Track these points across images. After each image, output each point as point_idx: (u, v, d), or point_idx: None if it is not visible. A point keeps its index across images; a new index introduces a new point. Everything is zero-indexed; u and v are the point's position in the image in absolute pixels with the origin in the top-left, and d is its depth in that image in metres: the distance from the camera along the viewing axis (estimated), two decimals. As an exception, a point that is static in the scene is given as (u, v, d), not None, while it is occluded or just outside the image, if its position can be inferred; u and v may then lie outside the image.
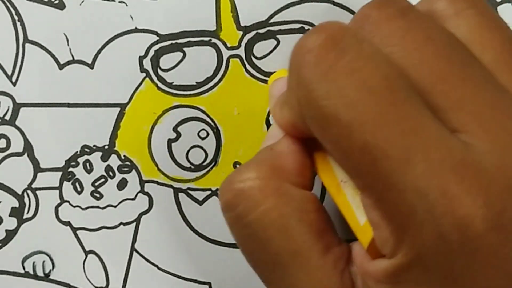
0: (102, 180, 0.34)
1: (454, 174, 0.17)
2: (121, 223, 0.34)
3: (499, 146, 0.18)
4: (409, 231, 0.18)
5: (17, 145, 0.34)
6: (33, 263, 0.34)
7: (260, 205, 0.22)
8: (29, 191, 0.34)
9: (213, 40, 0.34)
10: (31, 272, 0.34)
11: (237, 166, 0.34)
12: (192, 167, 0.34)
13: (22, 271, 0.34)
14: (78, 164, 0.34)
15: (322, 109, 0.18)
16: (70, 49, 0.34)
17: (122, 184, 0.34)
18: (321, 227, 0.22)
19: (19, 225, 0.34)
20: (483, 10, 0.21)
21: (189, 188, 0.34)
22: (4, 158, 0.34)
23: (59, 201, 0.34)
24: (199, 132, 0.34)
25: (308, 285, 0.21)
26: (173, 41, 0.34)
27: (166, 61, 0.34)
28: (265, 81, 0.34)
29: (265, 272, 0.23)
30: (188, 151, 0.34)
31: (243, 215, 0.22)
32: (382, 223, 0.19)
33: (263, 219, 0.22)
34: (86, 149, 0.34)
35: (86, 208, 0.34)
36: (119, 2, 0.34)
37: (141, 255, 0.34)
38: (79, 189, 0.34)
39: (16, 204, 0.34)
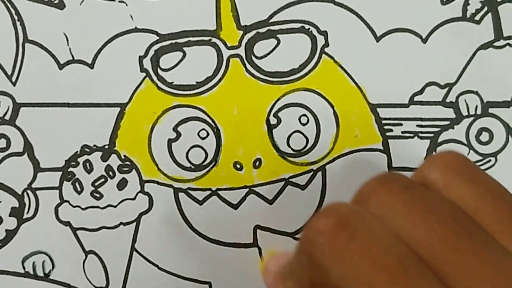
0: (102, 180, 0.34)
1: None
2: (121, 223, 0.34)
3: None
4: None
5: (17, 145, 0.34)
6: (33, 263, 0.34)
7: None
8: (29, 191, 0.34)
9: (213, 39, 0.34)
10: (31, 272, 0.34)
11: (237, 166, 0.34)
12: (192, 167, 0.34)
13: (22, 271, 0.34)
14: (78, 164, 0.34)
15: None
16: (70, 49, 0.34)
17: (122, 184, 0.34)
18: None
19: (19, 225, 0.34)
20: (472, 176, 0.22)
21: (189, 188, 0.34)
22: (4, 158, 0.34)
23: (59, 201, 0.34)
24: (199, 132, 0.34)
25: None
26: (173, 41, 0.34)
27: (166, 60, 0.34)
28: (266, 81, 0.34)
29: None
30: (188, 151, 0.34)
31: None
32: None
33: None
34: (86, 149, 0.34)
35: (86, 208, 0.34)
36: (119, 2, 0.34)
37: (141, 255, 0.34)
38: (79, 189, 0.34)
39: (16, 204, 0.34)
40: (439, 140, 0.34)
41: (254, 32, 0.34)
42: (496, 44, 0.34)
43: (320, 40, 0.34)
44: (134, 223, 0.34)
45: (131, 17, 0.34)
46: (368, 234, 0.20)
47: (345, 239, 0.20)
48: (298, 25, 0.34)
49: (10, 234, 0.34)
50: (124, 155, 0.34)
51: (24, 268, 0.34)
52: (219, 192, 0.34)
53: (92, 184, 0.34)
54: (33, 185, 0.34)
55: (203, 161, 0.34)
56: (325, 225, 0.20)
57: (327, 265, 0.20)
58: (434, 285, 0.19)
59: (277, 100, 0.34)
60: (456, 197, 0.22)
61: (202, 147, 0.34)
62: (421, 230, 0.20)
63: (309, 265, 0.21)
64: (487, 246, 0.20)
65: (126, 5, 0.34)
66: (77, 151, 0.34)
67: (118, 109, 0.34)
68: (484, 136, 0.34)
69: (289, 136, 0.34)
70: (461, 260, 0.19)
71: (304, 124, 0.34)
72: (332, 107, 0.34)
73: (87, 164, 0.34)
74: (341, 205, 0.21)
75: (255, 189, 0.34)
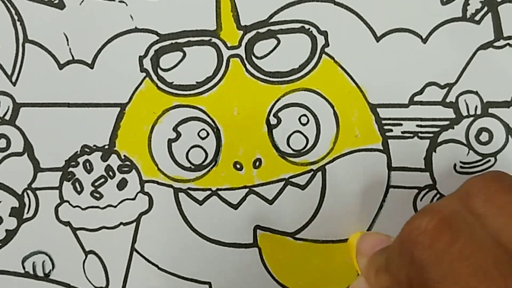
0: (102, 180, 0.34)
1: None
2: (121, 223, 0.34)
3: None
4: None
5: (17, 145, 0.34)
6: (33, 263, 0.34)
7: None
8: (29, 191, 0.34)
9: (213, 39, 0.34)
10: (31, 272, 0.34)
11: (237, 166, 0.34)
12: (192, 167, 0.34)
13: (22, 271, 0.34)
14: (78, 164, 0.34)
15: None
16: (70, 49, 0.34)
17: (122, 184, 0.34)
18: None
19: (19, 225, 0.34)
20: None
21: (189, 188, 0.34)
22: (4, 158, 0.34)
23: (59, 201, 0.34)
24: (199, 132, 0.34)
25: None
26: (173, 41, 0.34)
27: (166, 60, 0.34)
28: (266, 81, 0.34)
29: None
30: (188, 151, 0.34)
31: None
32: None
33: None
34: (86, 149, 0.34)
35: (86, 208, 0.34)
36: (119, 1, 0.34)
37: (141, 255, 0.34)
38: (79, 189, 0.34)
39: (16, 204, 0.34)
40: (439, 140, 0.34)
41: (254, 32, 0.34)
42: (496, 44, 0.34)
43: (320, 40, 0.34)
44: (134, 223, 0.34)
45: (131, 17, 0.34)
46: (470, 239, 0.20)
47: (447, 241, 0.20)
48: (298, 25, 0.34)
49: (10, 234, 0.34)
50: (124, 155, 0.34)
51: (24, 268, 0.34)
52: (219, 192, 0.34)
53: (92, 184, 0.34)
54: (33, 185, 0.34)
55: (203, 161, 0.34)
56: (427, 225, 0.20)
57: (427, 266, 0.20)
58: None
59: (277, 100, 0.34)
60: None
61: (202, 147, 0.34)
62: None
63: (409, 263, 0.21)
64: None
65: (126, 5, 0.34)
66: (77, 151, 0.34)
67: (118, 109, 0.34)
68: (484, 136, 0.34)
69: (289, 136, 0.34)
70: None
71: (304, 124, 0.34)
72: (332, 107, 0.34)
73: (87, 164, 0.34)
74: (444, 205, 0.21)
75: (255, 189, 0.34)
